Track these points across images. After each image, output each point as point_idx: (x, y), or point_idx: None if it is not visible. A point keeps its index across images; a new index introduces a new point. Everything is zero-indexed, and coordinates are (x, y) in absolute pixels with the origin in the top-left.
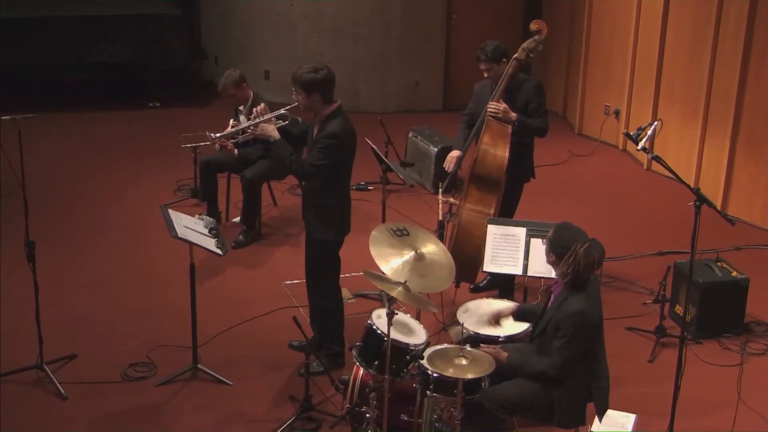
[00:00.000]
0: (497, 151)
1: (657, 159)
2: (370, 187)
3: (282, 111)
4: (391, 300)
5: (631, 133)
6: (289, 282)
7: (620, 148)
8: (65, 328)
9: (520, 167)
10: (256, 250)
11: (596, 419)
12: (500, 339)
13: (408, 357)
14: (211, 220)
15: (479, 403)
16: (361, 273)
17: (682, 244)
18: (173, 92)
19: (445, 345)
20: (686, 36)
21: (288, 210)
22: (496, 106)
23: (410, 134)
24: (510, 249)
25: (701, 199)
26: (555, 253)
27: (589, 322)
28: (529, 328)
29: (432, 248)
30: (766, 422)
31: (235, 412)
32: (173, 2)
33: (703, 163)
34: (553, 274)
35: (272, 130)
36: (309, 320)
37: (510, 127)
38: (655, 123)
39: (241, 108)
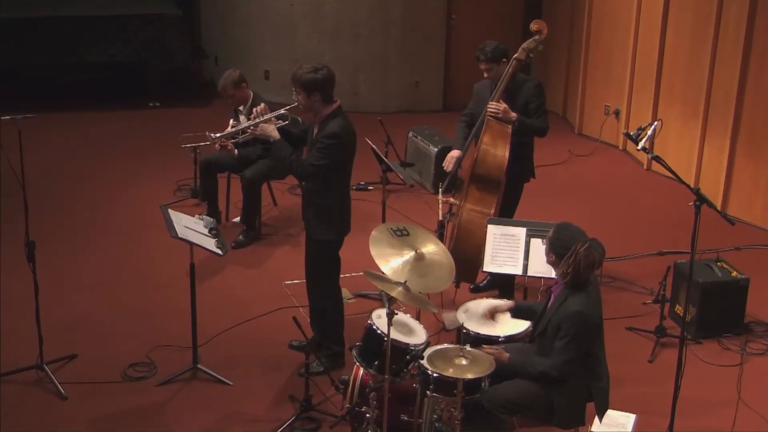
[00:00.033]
0: (497, 151)
1: (657, 159)
2: (370, 187)
3: (282, 111)
4: (391, 300)
5: (631, 133)
6: (289, 282)
7: (620, 148)
8: (65, 328)
9: (520, 167)
10: (256, 250)
11: (596, 419)
12: (500, 339)
13: (408, 357)
14: (211, 220)
15: (479, 403)
16: (361, 273)
17: (682, 244)
18: (173, 92)
19: (445, 345)
20: (686, 36)
21: (288, 210)
22: (496, 106)
23: (410, 134)
24: (510, 249)
25: (701, 199)
26: (555, 253)
27: (589, 322)
28: (528, 328)
29: (432, 248)
30: (766, 422)
31: (235, 412)
32: (173, 2)
33: (703, 163)
34: (553, 274)
35: (272, 130)
36: (309, 320)
37: (510, 127)
38: (655, 123)
39: (240, 108)
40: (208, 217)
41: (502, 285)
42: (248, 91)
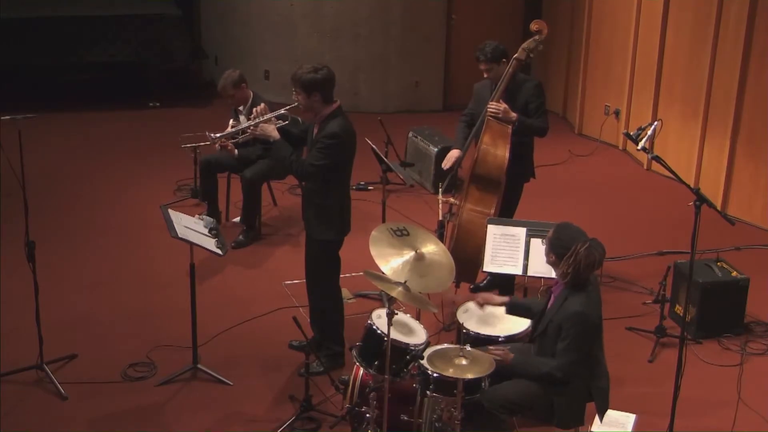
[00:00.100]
0: (497, 151)
1: (657, 159)
2: (370, 187)
3: (282, 111)
4: (391, 300)
5: (631, 133)
6: (289, 282)
7: (620, 148)
8: (65, 328)
9: (520, 167)
10: (256, 250)
11: (596, 419)
12: (500, 339)
13: (408, 357)
14: (211, 220)
15: (479, 403)
16: (361, 273)
17: (682, 244)
18: (173, 92)
19: (445, 345)
20: (686, 36)
21: (288, 210)
22: (496, 107)
23: (410, 134)
24: (510, 249)
25: (701, 199)
26: (555, 253)
27: (590, 322)
28: (528, 328)
29: (432, 248)
30: (766, 422)
31: (235, 412)
32: (173, 2)
33: (703, 163)
34: (553, 274)
35: (272, 130)
36: (309, 320)
37: (510, 127)
38: (655, 123)
39: (240, 108)
40: (208, 217)
41: (502, 285)
42: (248, 91)
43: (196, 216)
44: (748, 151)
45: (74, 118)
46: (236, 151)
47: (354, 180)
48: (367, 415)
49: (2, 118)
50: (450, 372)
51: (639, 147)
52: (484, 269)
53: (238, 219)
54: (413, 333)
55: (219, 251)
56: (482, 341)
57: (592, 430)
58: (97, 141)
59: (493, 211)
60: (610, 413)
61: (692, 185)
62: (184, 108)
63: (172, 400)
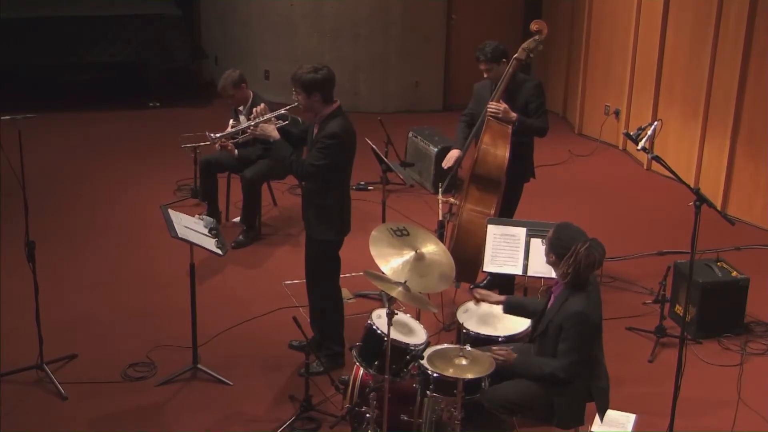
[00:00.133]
0: (497, 151)
1: (657, 159)
2: (370, 187)
3: (282, 111)
4: (391, 300)
5: (631, 133)
6: (289, 282)
7: (620, 148)
8: (65, 328)
9: (520, 167)
10: (256, 250)
11: (596, 419)
12: (500, 339)
13: (408, 357)
14: (211, 220)
15: (479, 403)
16: (361, 273)
17: (682, 244)
18: (173, 92)
19: (445, 345)
20: (686, 36)
21: (288, 210)
22: (496, 107)
23: (410, 134)
24: (510, 249)
25: (701, 199)
26: (555, 254)
27: (591, 322)
28: (528, 328)
29: (432, 248)
30: (766, 422)
31: (235, 412)
32: (173, 2)
33: (703, 163)
34: (553, 274)
35: (272, 130)
36: (309, 320)
37: (510, 127)
38: (655, 123)
39: (240, 108)
40: (208, 217)
41: (502, 285)
42: (248, 91)
43: (196, 216)
44: (748, 151)
45: (74, 118)
46: (236, 151)
47: (354, 180)
48: (367, 415)
49: (2, 118)
50: (450, 372)
51: (639, 147)
52: (484, 269)
53: (238, 219)
54: (413, 333)
55: (219, 251)
56: (482, 341)
57: (592, 430)
58: (97, 141)
59: (493, 211)
60: (610, 413)
61: (692, 185)
62: (184, 108)
63: (172, 400)
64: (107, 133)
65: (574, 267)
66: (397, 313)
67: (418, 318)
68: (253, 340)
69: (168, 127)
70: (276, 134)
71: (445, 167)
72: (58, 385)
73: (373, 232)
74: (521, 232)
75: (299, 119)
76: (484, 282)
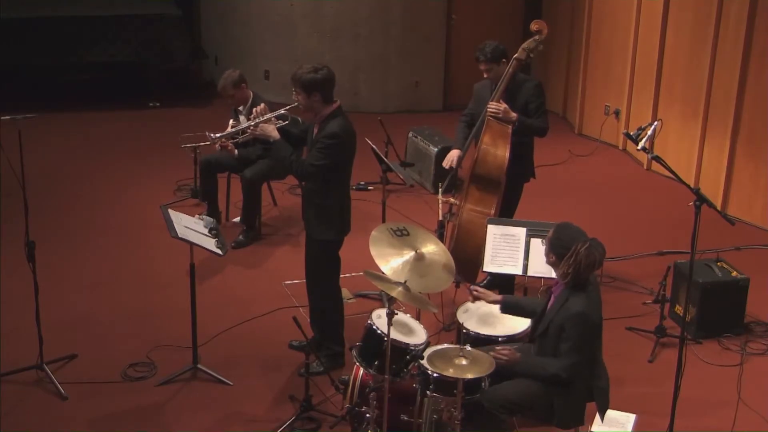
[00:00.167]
0: (498, 151)
1: (657, 159)
2: (370, 187)
3: (282, 111)
4: (391, 300)
5: (631, 133)
6: (289, 282)
7: (620, 148)
8: (65, 328)
9: (520, 167)
10: (256, 250)
11: (596, 419)
12: (500, 339)
13: (408, 357)
14: (211, 220)
15: (479, 403)
16: (361, 273)
17: (682, 244)
18: (173, 92)
19: (445, 345)
20: (686, 36)
21: (288, 210)
22: (496, 107)
23: (410, 134)
24: (510, 249)
25: (701, 199)
26: (555, 254)
27: (592, 322)
28: (528, 328)
29: (432, 248)
30: (766, 422)
31: (235, 412)
32: (173, 2)
33: (703, 163)
34: (553, 274)
35: (272, 130)
36: (309, 320)
37: (510, 127)
38: (655, 123)
39: (240, 108)
40: (208, 217)
41: (502, 285)
42: (248, 92)
43: (196, 216)
44: (748, 151)
45: (74, 118)
46: (236, 151)
47: (354, 180)
48: (367, 415)
49: (2, 118)
50: (450, 372)
51: (639, 147)
52: (484, 269)
53: (238, 219)
54: (413, 333)
55: (219, 251)
56: (482, 341)
57: (592, 429)
58: (97, 141)
59: (493, 211)
60: (610, 413)
61: (692, 185)
62: (184, 108)
63: (172, 400)
64: (107, 133)
65: (574, 267)
66: (397, 313)
67: (418, 318)
68: (253, 340)
69: (168, 127)
70: (276, 134)
71: (447, 167)
72: (58, 385)
73: (373, 232)
74: (521, 232)
75: (299, 119)
76: (484, 282)
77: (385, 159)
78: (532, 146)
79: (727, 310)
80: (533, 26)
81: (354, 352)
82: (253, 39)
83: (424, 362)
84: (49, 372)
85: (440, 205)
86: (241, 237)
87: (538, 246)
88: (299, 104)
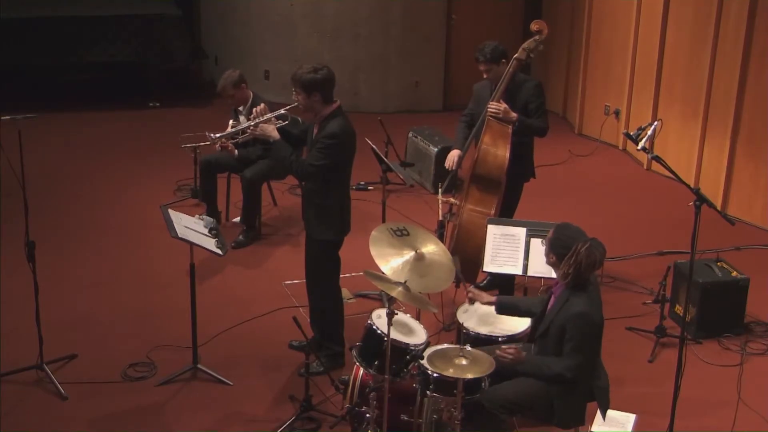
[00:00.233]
0: (498, 151)
1: (657, 159)
2: (370, 187)
3: (282, 111)
4: (391, 300)
5: (631, 133)
6: (289, 282)
7: (620, 148)
8: (65, 328)
9: (520, 167)
10: (256, 250)
11: (597, 418)
12: (500, 339)
13: (408, 357)
14: (211, 220)
15: (479, 403)
16: (361, 273)
17: (682, 244)
18: (173, 92)
19: (445, 345)
20: (686, 36)
21: (288, 210)
22: (496, 107)
23: (410, 134)
24: (510, 249)
25: (701, 199)
26: (555, 254)
27: (593, 322)
28: (528, 328)
29: (432, 248)
30: (766, 422)
31: (235, 412)
32: (173, 2)
33: (703, 163)
34: (553, 274)
35: (272, 131)
36: (309, 320)
37: (510, 127)
38: (655, 123)
39: (240, 108)
40: (208, 217)
41: (502, 285)
42: (248, 92)
43: (196, 216)
44: (748, 151)
45: (74, 118)
46: (236, 151)
47: (354, 180)
48: (367, 415)
49: (2, 118)
50: (450, 372)
51: (639, 147)
52: (484, 269)
53: (238, 219)
54: (413, 333)
55: (219, 251)
56: (482, 341)
57: (592, 429)
58: (97, 141)
59: (493, 211)
60: (610, 413)
61: (692, 185)
62: (184, 108)
63: (172, 400)
64: (107, 133)
65: (574, 267)
66: (397, 313)
67: (418, 318)
68: (253, 340)
69: (168, 127)
70: (276, 134)
71: (448, 167)
72: (58, 385)
73: (373, 232)
74: (521, 232)
75: (299, 119)
76: (484, 282)
77: (385, 159)
78: (532, 146)
79: (727, 310)
80: (533, 26)
81: (354, 352)
82: (253, 39)
83: (424, 362)
84: (49, 372)
85: (440, 205)
86: (241, 237)
87: (538, 246)
88: (299, 104)
